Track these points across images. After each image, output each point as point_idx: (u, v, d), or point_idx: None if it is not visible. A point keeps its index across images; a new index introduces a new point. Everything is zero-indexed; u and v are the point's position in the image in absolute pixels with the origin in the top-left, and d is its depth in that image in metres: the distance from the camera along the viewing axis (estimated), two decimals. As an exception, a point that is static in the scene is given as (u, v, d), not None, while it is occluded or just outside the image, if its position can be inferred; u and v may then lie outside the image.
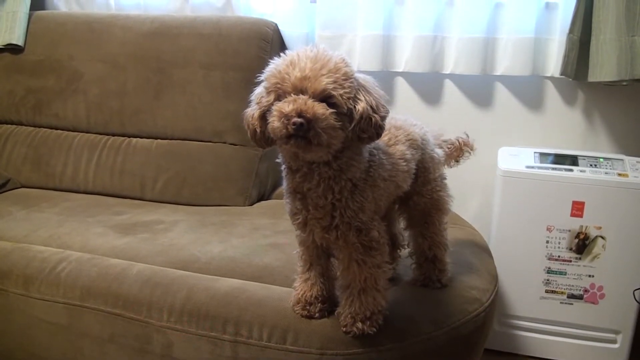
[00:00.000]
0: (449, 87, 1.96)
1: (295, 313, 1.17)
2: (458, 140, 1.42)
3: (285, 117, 0.91)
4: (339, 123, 0.93)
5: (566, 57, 1.73)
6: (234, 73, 1.94)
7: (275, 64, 0.97)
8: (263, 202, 1.95)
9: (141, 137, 2.02)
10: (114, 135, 2.05)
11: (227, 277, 1.34)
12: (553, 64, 1.81)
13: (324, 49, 0.96)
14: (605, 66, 1.64)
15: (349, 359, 1.13)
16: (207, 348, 1.21)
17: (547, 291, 1.79)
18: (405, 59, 1.93)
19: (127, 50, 2.01)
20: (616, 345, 1.79)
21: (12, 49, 2.09)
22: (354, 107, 0.95)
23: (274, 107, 0.93)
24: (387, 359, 1.15)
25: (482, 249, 1.56)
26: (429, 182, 1.24)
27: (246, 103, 1.87)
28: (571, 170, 1.71)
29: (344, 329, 1.11)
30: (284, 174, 1.07)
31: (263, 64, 1.89)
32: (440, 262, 1.29)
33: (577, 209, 1.71)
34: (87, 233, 1.61)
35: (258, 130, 1.01)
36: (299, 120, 0.89)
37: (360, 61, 1.95)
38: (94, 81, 2.03)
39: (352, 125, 0.95)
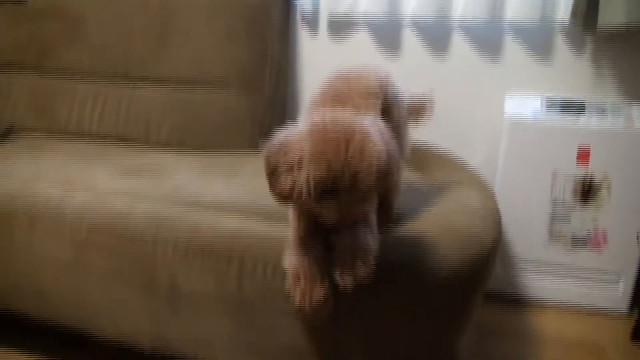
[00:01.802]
0: (457, 37, 1.93)
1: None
2: (423, 96, 1.45)
3: (335, 218, 1.00)
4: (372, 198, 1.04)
5: (575, 4, 1.70)
6: (239, 19, 1.91)
7: (316, 141, 0.96)
8: (268, 147, 1.95)
9: (146, 83, 2.01)
10: (118, 81, 2.03)
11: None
12: (562, 10, 1.77)
13: (367, 131, 0.97)
14: (615, 8, 1.60)
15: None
16: (212, 282, 1.24)
17: (551, 236, 1.80)
18: (411, 5, 1.89)
19: (131, -5, 1.99)
20: (619, 289, 1.81)
21: (17, -1, 2.07)
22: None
23: (323, 208, 0.99)
24: (388, 297, 1.17)
25: (486, 193, 1.56)
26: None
27: (250, 50, 1.91)
28: (578, 117, 1.70)
29: (342, 289, 1.09)
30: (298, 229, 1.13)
31: (267, 10, 1.91)
32: (389, 205, 1.32)
33: (583, 155, 1.70)
34: (92, 176, 1.62)
35: (285, 192, 1.02)
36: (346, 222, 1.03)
37: (366, 8, 1.92)
38: (98, 27, 2.01)
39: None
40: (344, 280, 1.07)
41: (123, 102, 1.99)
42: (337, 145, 0.95)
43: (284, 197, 1.03)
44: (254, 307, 1.22)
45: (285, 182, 1.00)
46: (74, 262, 1.37)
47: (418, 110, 1.47)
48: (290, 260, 1.12)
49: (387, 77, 1.30)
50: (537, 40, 1.86)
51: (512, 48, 1.89)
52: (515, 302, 1.89)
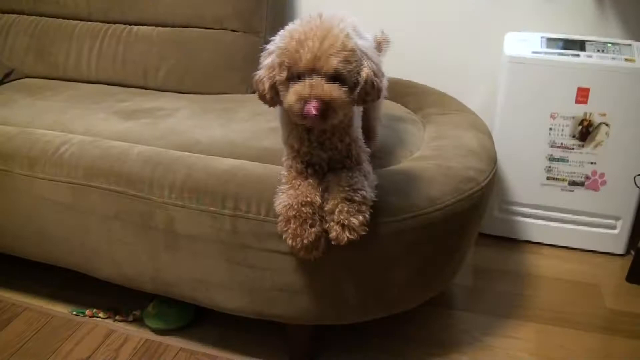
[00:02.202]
0: (456, -27, 1.89)
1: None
2: (376, 37, 1.41)
3: (303, 100, 0.98)
4: (350, 97, 1.02)
5: None
6: (235, -45, 1.87)
7: (285, 40, 1.01)
8: (266, 90, 1.94)
9: (142, 25, 1.98)
10: (115, 23, 2.00)
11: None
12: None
13: (330, 23, 1.00)
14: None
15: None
16: (208, 222, 1.25)
17: (548, 178, 1.80)
18: None
19: None
20: (616, 231, 1.83)
21: None
22: (359, 75, 1.02)
23: (291, 87, 1.00)
24: (382, 234, 1.18)
25: (482, 133, 1.55)
26: None
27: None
28: (578, 55, 1.67)
29: (334, 242, 1.10)
30: (293, 136, 1.14)
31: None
32: (372, 131, 1.35)
33: (582, 95, 1.68)
34: (90, 118, 1.62)
35: (268, 96, 1.08)
36: (317, 105, 0.97)
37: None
38: (93, -33, 1.98)
39: (358, 90, 1.03)
40: (337, 236, 1.09)
41: (120, 45, 1.98)
42: (301, 38, 0.99)
43: (262, 96, 1.09)
44: (248, 247, 1.24)
45: (261, 81, 1.07)
46: (72, 204, 1.39)
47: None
48: (281, 200, 1.13)
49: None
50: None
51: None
52: (512, 244, 1.91)
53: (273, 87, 1.06)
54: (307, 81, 0.99)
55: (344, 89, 1.00)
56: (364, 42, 1.06)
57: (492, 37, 1.87)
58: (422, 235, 1.23)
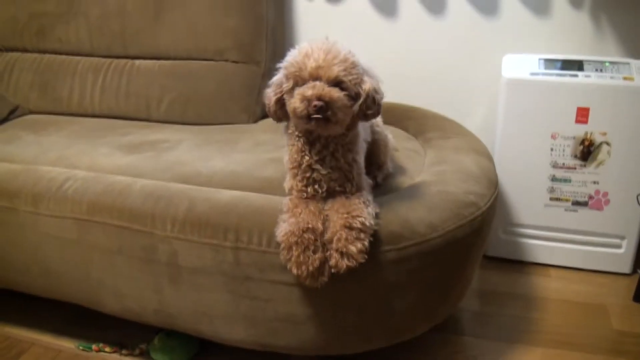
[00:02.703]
0: (454, -5, 1.91)
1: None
2: None
3: (307, 100, 1.06)
4: (350, 103, 1.09)
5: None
6: (234, -14, 1.91)
7: (293, 55, 1.12)
8: (267, 119, 1.95)
9: (144, 59, 2.01)
10: (117, 57, 2.04)
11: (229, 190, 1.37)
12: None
13: (334, 42, 1.11)
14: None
15: (346, 262, 1.16)
16: (210, 255, 1.26)
17: (551, 199, 1.80)
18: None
19: (125, -32, 1.98)
20: (621, 250, 1.81)
21: (13, -26, 2.07)
22: (361, 88, 1.11)
23: (295, 92, 1.08)
24: (383, 262, 1.18)
25: (482, 156, 1.56)
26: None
27: (245, 19, 1.90)
28: (576, 75, 1.68)
29: (334, 270, 1.11)
30: (294, 149, 1.19)
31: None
32: (383, 162, 1.41)
33: (582, 115, 1.68)
34: (93, 153, 1.64)
35: (272, 110, 1.17)
36: (320, 103, 1.05)
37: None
38: (94, 3, 2.01)
39: (360, 102, 1.11)
40: (336, 263, 1.10)
41: (122, 79, 2.01)
42: (308, 52, 1.09)
43: (268, 110, 1.18)
44: (251, 279, 1.24)
45: (267, 96, 1.17)
46: (77, 239, 1.39)
47: None
48: (282, 229, 1.14)
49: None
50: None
51: (509, 6, 1.86)
52: (518, 266, 1.90)
53: (278, 101, 1.15)
54: (311, 84, 1.07)
55: (345, 93, 1.08)
56: (368, 63, 1.16)
57: (491, 60, 1.89)
58: (424, 262, 1.23)
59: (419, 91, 2.00)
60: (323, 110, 1.06)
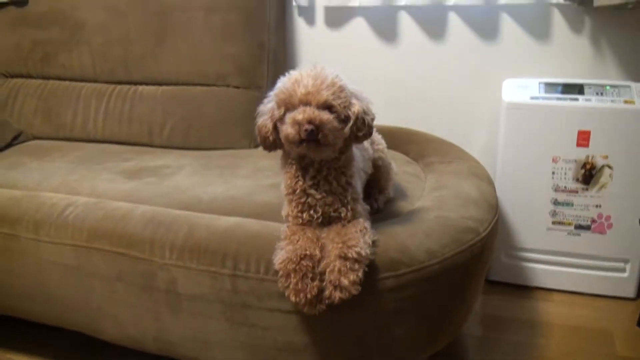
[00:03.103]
0: (453, 20, 1.92)
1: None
2: None
3: (298, 124, 1.08)
4: (340, 125, 1.11)
5: (570, -20, 1.68)
6: (235, 14, 1.93)
7: (283, 82, 1.14)
8: (268, 144, 1.97)
9: (146, 84, 2.04)
10: (120, 83, 2.07)
11: (228, 216, 1.37)
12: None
13: (322, 68, 1.13)
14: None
15: (344, 289, 1.15)
16: (208, 282, 1.25)
17: (554, 222, 1.79)
18: (407, -8, 1.89)
19: (128, -5, 2.01)
20: (625, 274, 1.80)
21: (16, 2, 2.10)
22: (350, 111, 1.13)
23: (286, 117, 1.10)
24: (381, 289, 1.18)
25: (482, 181, 1.55)
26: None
27: (247, 45, 1.92)
28: (576, 99, 1.68)
29: (327, 301, 1.10)
30: (287, 175, 1.21)
31: (263, 3, 1.92)
32: (384, 188, 1.42)
33: (583, 138, 1.68)
34: (95, 179, 1.65)
35: (271, 137, 1.17)
36: (310, 126, 1.07)
37: (362, -1, 1.92)
38: (97, 30, 2.04)
39: (350, 125, 1.12)
40: (330, 295, 1.09)
41: (125, 104, 2.03)
42: (297, 78, 1.12)
43: (265, 139, 1.18)
44: (249, 306, 1.23)
45: (264, 124, 1.18)
46: (77, 266, 1.39)
47: None
48: (280, 256, 1.13)
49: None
50: (534, 21, 1.84)
51: (509, 30, 1.87)
52: (521, 291, 1.88)
53: (275, 128, 1.15)
54: (301, 108, 1.09)
55: (335, 116, 1.09)
56: (356, 87, 1.18)
57: (491, 84, 1.89)
58: (423, 289, 1.22)
59: (420, 115, 2.01)
60: (314, 134, 1.07)
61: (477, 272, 1.36)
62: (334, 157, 1.17)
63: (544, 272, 1.86)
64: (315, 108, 1.09)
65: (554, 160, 1.72)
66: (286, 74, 1.16)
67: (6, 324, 1.66)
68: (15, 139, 2.02)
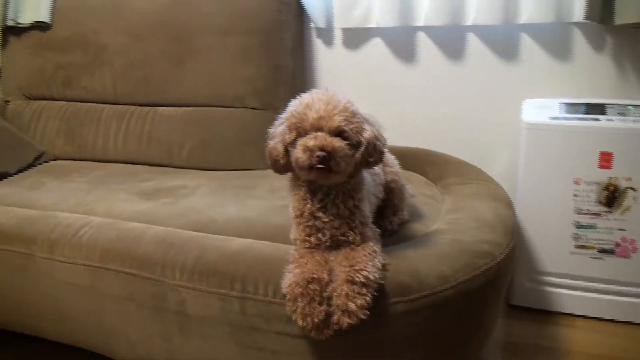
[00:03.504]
0: (472, 39, 1.90)
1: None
2: None
3: (310, 150, 1.07)
4: (352, 151, 1.10)
5: (590, -1, 1.65)
6: (252, 37, 1.95)
7: (294, 106, 1.13)
8: (285, 165, 1.96)
9: (166, 106, 2.06)
10: (140, 105, 2.09)
11: (240, 237, 1.36)
12: (579, 8, 1.72)
13: (334, 93, 1.13)
14: (630, 6, 1.55)
15: (354, 313, 1.13)
16: (217, 305, 1.24)
17: (576, 246, 1.74)
18: (424, 12, 1.88)
19: (148, 20, 2.04)
20: (651, 300, 1.73)
21: (40, 26, 2.16)
22: (362, 136, 1.12)
23: (298, 142, 1.09)
24: (392, 314, 1.15)
25: (500, 203, 1.52)
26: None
27: (264, 67, 1.93)
28: (598, 119, 1.64)
29: (335, 326, 1.09)
30: (296, 198, 1.20)
31: (280, 26, 1.93)
32: (398, 209, 1.41)
33: (605, 160, 1.64)
34: (112, 199, 1.66)
35: (282, 161, 1.16)
36: (322, 153, 1.06)
37: (379, 18, 1.92)
38: (119, 53, 2.08)
39: (361, 150, 1.12)
40: (338, 320, 1.07)
41: (145, 125, 2.05)
42: (309, 102, 1.11)
43: (275, 162, 1.17)
44: (257, 330, 1.22)
45: (275, 147, 1.16)
46: (90, 286, 1.40)
47: None
48: (288, 279, 1.12)
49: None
50: (554, 41, 1.82)
51: (529, 50, 1.85)
52: (544, 316, 1.83)
53: (286, 152, 1.14)
54: (313, 134, 1.08)
55: (346, 142, 1.08)
56: (366, 111, 1.17)
57: (511, 104, 1.86)
58: (435, 314, 1.19)
59: (439, 136, 1.99)
60: (326, 161, 1.06)
61: (493, 297, 1.33)
62: (343, 181, 1.16)
63: (567, 297, 1.80)
64: (327, 133, 1.08)
65: (576, 183, 1.68)
66: (297, 97, 1.15)
67: (23, 340, 1.66)
68: (37, 159, 2.05)
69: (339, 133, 1.08)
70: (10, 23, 2.15)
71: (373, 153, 1.14)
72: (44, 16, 2.11)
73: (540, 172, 1.72)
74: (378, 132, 1.16)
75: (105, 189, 1.76)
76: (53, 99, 2.19)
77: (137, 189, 1.76)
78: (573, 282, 1.78)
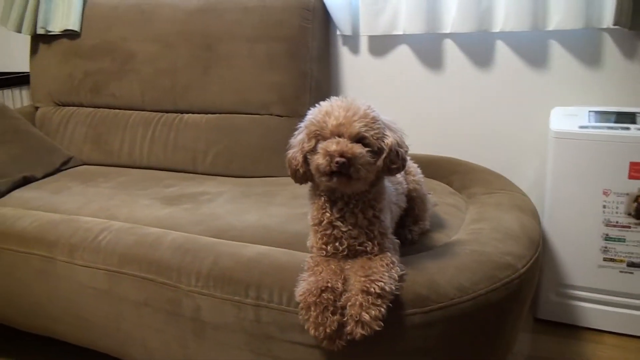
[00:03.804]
0: (500, 46, 1.87)
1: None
2: None
3: (330, 155, 1.04)
4: (373, 159, 1.07)
5: (619, 5, 1.59)
6: (278, 44, 1.95)
7: (314, 114, 1.12)
8: (309, 172, 1.95)
9: (192, 113, 2.08)
10: (166, 112, 2.12)
11: (258, 244, 1.36)
12: (609, 14, 1.67)
13: (353, 99, 1.11)
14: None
15: (368, 324, 1.10)
16: (232, 312, 1.24)
17: (605, 259, 1.68)
18: (452, 19, 1.85)
19: (176, 28, 2.07)
20: (684, 316, 1.66)
21: (70, 34, 2.20)
22: (383, 143, 1.09)
23: (319, 147, 1.07)
24: (408, 325, 1.12)
25: (525, 214, 1.48)
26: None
27: (289, 74, 1.93)
28: (628, 128, 1.59)
29: (349, 336, 1.06)
30: (315, 207, 1.19)
31: (305, 33, 1.92)
32: (420, 218, 1.39)
33: (636, 170, 1.58)
34: (134, 205, 1.68)
35: (301, 170, 1.14)
36: (342, 159, 1.03)
37: (406, 25, 1.90)
38: (147, 61, 2.11)
39: (383, 157, 1.09)
40: (351, 330, 1.05)
41: (171, 132, 2.07)
42: (328, 110, 1.09)
43: (295, 171, 1.16)
44: (272, 338, 1.20)
45: (294, 157, 1.15)
46: (108, 290, 1.41)
47: None
48: (302, 287, 1.10)
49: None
50: (584, 47, 1.78)
51: (558, 57, 1.81)
52: (571, 331, 1.77)
53: (305, 160, 1.12)
54: (335, 139, 1.06)
55: (368, 149, 1.06)
56: (389, 118, 1.14)
57: (539, 113, 1.82)
58: (453, 327, 1.16)
59: (465, 145, 1.96)
60: (345, 167, 1.04)
61: (515, 311, 1.28)
62: (364, 190, 1.14)
63: (595, 312, 1.74)
64: (348, 140, 1.05)
65: (605, 194, 1.62)
66: (316, 105, 1.13)
67: (46, 340, 1.68)
68: (65, 164, 2.08)
69: (359, 139, 1.06)
70: (40, 31, 2.20)
71: (395, 160, 1.11)
72: (74, 24, 2.15)
73: (568, 183, 1.67)
74: (400, 138, 1.13)
75: (128, 194, 1.78)
76: (81, 105, 2.23)
77: (160, 194, 1.77)
78: (601, 297, 1.72)
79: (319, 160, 1.06)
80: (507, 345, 1.33)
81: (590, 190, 1.64)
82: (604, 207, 1.64)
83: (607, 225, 1.65)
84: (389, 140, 1.10)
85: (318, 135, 1.09)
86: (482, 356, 1.26)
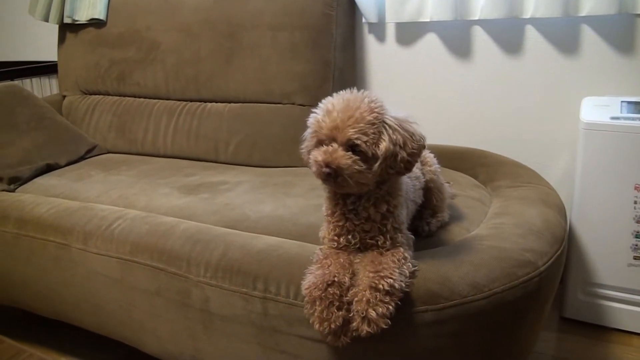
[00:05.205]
0: (530, 33, 1.79)
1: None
2: None
3: (318, 165, 1.04)
4: (365, 166, 1.04)
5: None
6: (301, 33, 1.92)
7: (318, 111, 1.09)
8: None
9: (215, 102, 2.08)
10: (190, 100, 2.12)
11: (270, 235, 1.34)
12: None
13: (356, 96, 1.07)
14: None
15: (377, 320, 1.07)
16: (240, 304, 1.22)
17: (635, 257, 1.60)
18: (480, 5, 1.79)
19: (200, 17, 2.06)
20: None
21: (96, 23, 2.22)
22: (378, 148, 1.05)
23: (311, 155, 1.07)
24: (419, 323, 1.08)
25: (551, 209, 1.41)
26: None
27: (313, 63, 1.89)
28: (663, 120, 1.50)
29: (354, 333, 1.03)
30: (330, 199, 1.16)
31: (329, 21, 1.88)
32: (438, 210, 1.35)
33: (671, 164, 1.50)
34: (153, 194, 1.68)
35: (309, 165, 1.12)
36: (327, 170, 1.03)
37: (433, 12, 1.84)
38: (171, 50, 2.11)
39: (378, 164, 1.05)
40: (357, 327, 1.02)
41: (194, 121, 2.07)
42: (329, 109, 1.06)
43: (305, 161, 1.14)
44: (279, 331, 1.18)
45: (302, 150, 1.15)
46: (120, 279, 1.41)
47: None
48: (307, 281, 1.08)
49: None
50: (618, 34, 1.69)
51: (590, 44, 1.73)
52: (598, 332, 1.70)
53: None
54: (324, 148, 1.04)
55: (357, 158, 1.03)
56: (395, 114, 1.08)
57: (571, 103, 1.75)
58: (466, 325, 1.11)
59: (493, 136, 1.89)
60: (332, 177, 1.03)
61: (534, 310, 1.22)
62: (371, 189, 1.10)
63: (624, 312, 1.66)
64: (340, 145, 1.03)
65: (637, 189, 1.54)
66: (323, 100, 1.10)
67: (64, 326, 1.69)
68: (89, 152, 2.10)
69: (351, 146, 1.03)
70: (67, 20, 2.23)
71: (393, 164, 1.06)
72: (100, 13, 2.17)
73: (598, 177, 1.59)
74: (403, 138, 1.07)
75: (148, 182, 1.78)
76: (107, 94, 2.25)
77: (180, 183, 1.76)
78: (630, 297, 1.64)
79: (312, 167, 1.07)
80: (525, 346, 1.28)
81: (621, 184, 1.56)
82: (635, 202, 1.56)
83: (638, 222, 1.57)
84: (384, 145, 1.04)
85: (317, 135, 1.08)
86: (497, 357, 1.22)
